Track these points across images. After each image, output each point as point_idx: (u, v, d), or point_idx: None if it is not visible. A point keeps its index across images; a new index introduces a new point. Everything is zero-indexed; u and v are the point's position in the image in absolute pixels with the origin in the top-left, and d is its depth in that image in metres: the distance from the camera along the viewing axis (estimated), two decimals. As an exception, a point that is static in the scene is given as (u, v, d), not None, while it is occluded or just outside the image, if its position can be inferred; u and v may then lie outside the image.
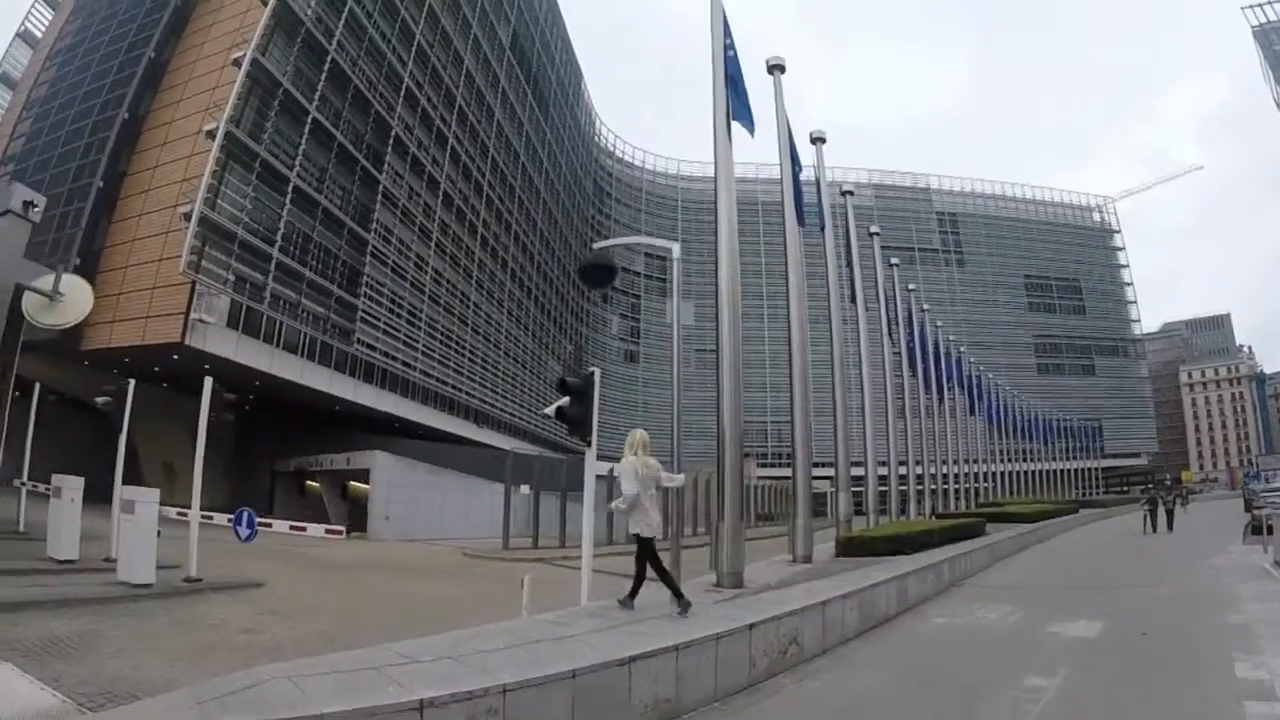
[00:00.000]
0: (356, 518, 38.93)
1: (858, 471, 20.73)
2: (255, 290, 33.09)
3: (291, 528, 23.86)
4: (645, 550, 7.87)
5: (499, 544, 28.66)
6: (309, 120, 35.93)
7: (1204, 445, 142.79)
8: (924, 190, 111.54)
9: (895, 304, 27.53)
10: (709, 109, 11.29)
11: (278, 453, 43.63)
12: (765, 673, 7.15)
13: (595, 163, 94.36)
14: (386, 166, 42.90)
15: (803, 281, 15.52)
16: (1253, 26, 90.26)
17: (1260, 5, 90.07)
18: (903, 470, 27.14)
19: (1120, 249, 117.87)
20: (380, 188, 42.33)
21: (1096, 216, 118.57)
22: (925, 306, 32.93)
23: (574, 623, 7.22)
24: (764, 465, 77.07)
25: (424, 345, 46.56)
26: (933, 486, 31.48)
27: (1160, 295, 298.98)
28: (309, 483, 43.54)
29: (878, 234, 27.75)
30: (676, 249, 10.56)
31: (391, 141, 43.25)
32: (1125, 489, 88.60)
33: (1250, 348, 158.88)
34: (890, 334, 27.25)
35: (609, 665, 5.44)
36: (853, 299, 23.05)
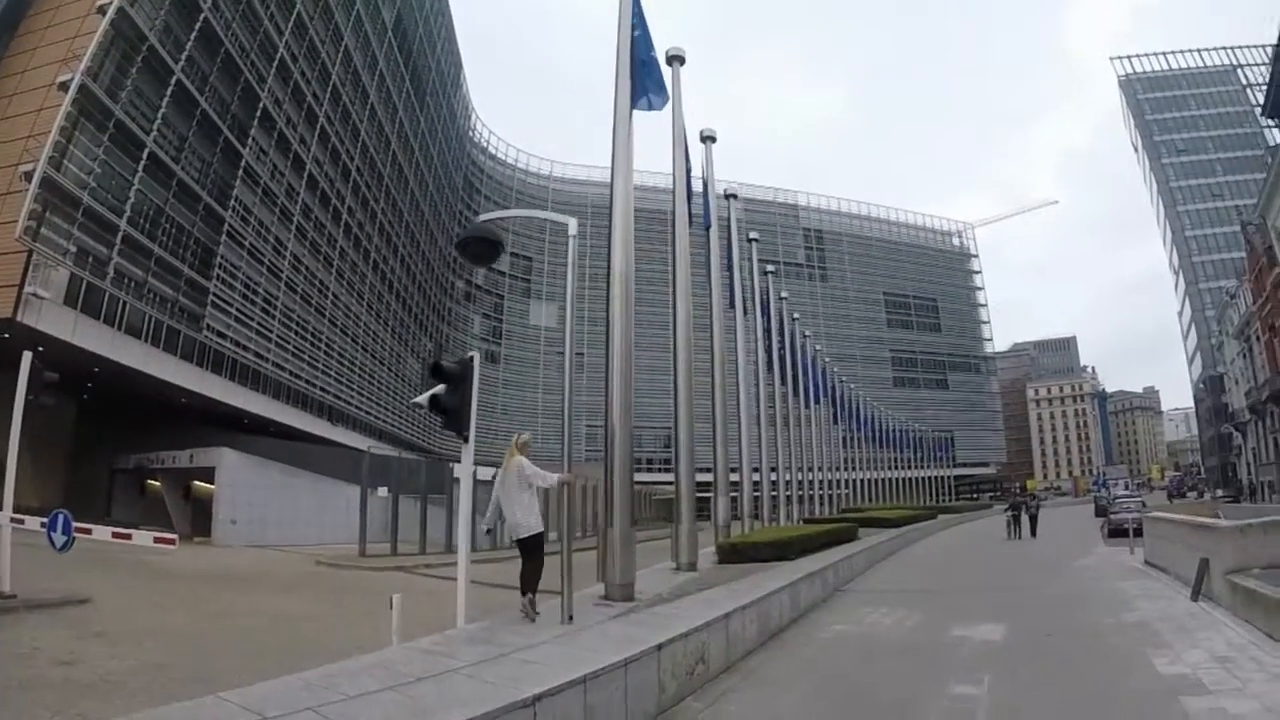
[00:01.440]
0: (201, 521, 36.01)
1: (734, 477, 20.58)
2: (98, 265, 29.64)
3: (114, 535, 21.33)
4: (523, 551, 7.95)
5: (355, 550, 26.81)
6: (173, 82, 32.67)
7: (1048, 456, 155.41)
8: (792, 207, 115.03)
9: (769, 312, 27.73)
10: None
11: (119, 449, 39.77)
12: (674, 697, 6.44)
13: (468, 157, 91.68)
14: (251, 141, 39.75)
15: (689, 281, 15.14)
16: (1119, 76, 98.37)
17: (1125, 58, 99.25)
18: (773, 476, 27.35)
19: (977, 272, 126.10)
20: (243, 163, 39.13)
21: (956, 241, 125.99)
22: (796, 316, 33.40)
23: (455, 651, 6.28)
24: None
25: (278, 336, 43.47)
26: (800, 492, 31.97)
27: (1013, 317, 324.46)
28: (150, 482, 40.00)
29: (757, 239, 27.85)
30: (573, 225, 9.81)
31: (259, 115, 40.15)
32: (976, 496, 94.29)
33: (1094, 368, 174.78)
34: (766, 341, 27.42)
35: (510, 709, 4.47)
36: (731, 304, 22.89)
